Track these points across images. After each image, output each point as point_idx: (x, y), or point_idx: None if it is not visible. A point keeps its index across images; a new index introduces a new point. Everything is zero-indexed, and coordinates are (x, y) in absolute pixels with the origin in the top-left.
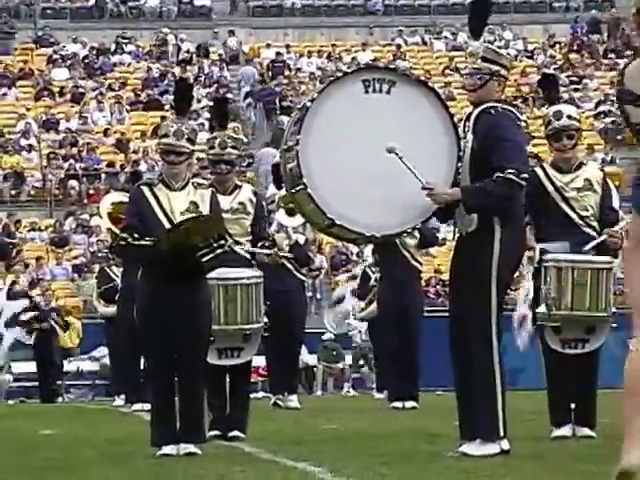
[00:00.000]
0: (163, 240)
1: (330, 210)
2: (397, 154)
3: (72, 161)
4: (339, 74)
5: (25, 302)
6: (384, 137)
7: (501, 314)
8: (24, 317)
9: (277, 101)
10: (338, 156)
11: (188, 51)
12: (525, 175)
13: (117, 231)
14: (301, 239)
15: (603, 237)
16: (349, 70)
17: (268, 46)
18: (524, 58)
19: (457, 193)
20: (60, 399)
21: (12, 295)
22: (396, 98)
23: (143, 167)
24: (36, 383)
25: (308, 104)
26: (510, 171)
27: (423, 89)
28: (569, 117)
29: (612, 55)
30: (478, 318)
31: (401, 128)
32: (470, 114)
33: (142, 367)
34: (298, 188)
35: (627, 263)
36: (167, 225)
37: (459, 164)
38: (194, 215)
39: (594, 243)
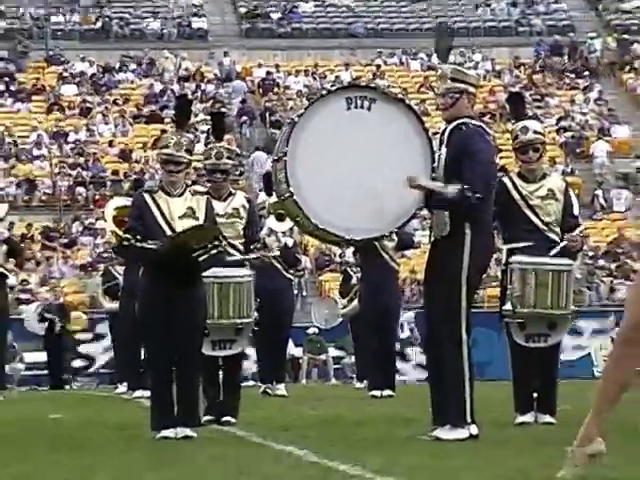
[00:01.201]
0: (165, 244)
1: (314, 216)
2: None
3: (80, 169)
4: (324, 92)
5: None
6: (365, 149)
7: (470, 311)
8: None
9: (267, 115)
10: (322, 166)
11: (187, 69)
12: (481, 196)
13: (120, 233)
14: (289, 242)
15: (564, 243)
16: (333, 88)
17: (259, 65)
18: (492, 78)
19: (434, 187)
20: (68, 387)
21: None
22: (376, 114)
23: (145, 176)
24: (46, 372)
25: (296, 119)
26: (471, 192)
27: (401, 106)
28: (535, 132)
29: (572, 75)
30: (449, 315)
31: (380, 141)
32: (444, 130)
33: (142, 357)
34: (286, 195)
35: None
36: (166, 228)
37: (433, 174)
38: (194, 225)
39: (557, 250)
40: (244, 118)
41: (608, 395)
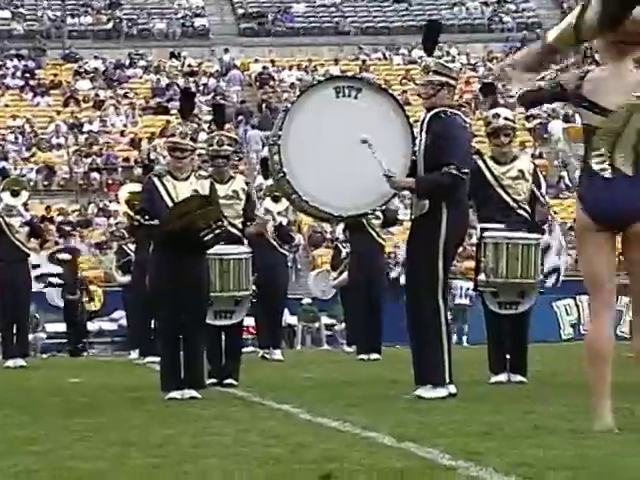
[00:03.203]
0: (168, 216)
1: (305, 194)
2: (369, 145)
3: (94, 157)
4: (314, 82)
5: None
6: (352, 134)
7: (447, 282)
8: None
9: (263, 107)
10: (313, 149)
11: (190, 65)
12: (466, 170)
13: (132, 214)
14: (284, 221)
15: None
16: (323, 79)
17: (256, 61)
18: (467, 70)
19: (412, 182)
20: (85, 353)
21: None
22: (362, 102)
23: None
24: (65, 340)
25: (289, 106)
26: (453, 167)
27: (385, 95)
28: (506, 118)
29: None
30: (428, 285)
31: (366, 127)
32: (424, 118)
33: (153, 326)
34: (280, 176)
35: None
36: None
37: (413, 157)
38: (192, 195)
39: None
40: (240, 118)
41: None
